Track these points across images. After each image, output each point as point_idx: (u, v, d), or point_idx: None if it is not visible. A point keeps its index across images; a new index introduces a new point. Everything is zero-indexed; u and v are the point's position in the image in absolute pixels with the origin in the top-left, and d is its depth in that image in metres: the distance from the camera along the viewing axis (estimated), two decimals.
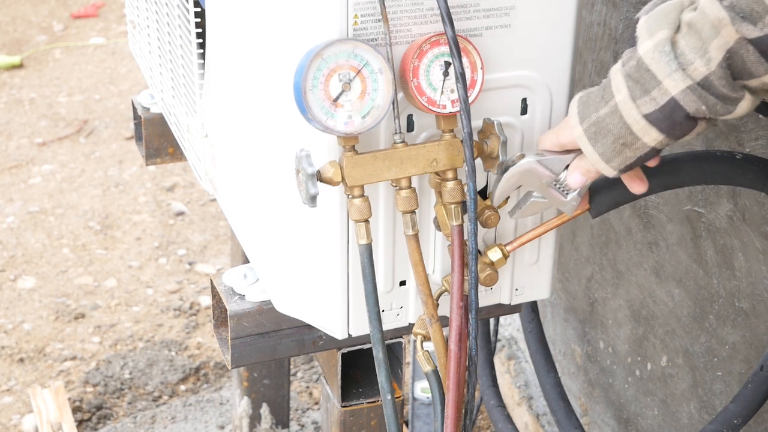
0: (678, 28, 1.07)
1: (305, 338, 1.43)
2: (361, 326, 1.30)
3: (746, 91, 1.07)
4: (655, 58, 1.07)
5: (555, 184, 1.22)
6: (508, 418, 1.98)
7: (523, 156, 1.21)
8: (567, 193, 1.22)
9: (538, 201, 1.24)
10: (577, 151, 1.19)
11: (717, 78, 1.05)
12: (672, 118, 1.09)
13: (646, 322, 1.98)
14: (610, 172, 1.16)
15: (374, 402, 1.47)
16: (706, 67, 1.05)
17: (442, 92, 1.17)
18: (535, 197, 1.24)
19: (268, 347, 1.42)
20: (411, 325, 1.34)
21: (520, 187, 1.23)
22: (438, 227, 1.26)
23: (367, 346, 1.41)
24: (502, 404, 2.00)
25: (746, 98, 1.07)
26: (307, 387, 2.75)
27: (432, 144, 1.19)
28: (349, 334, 1.31)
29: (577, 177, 1.20)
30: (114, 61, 4.46)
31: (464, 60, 1.17)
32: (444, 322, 1.26)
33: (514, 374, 2.55)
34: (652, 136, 1.11)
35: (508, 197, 1.25)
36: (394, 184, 1.20)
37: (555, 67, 1.25)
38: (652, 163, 1.18)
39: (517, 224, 1.32)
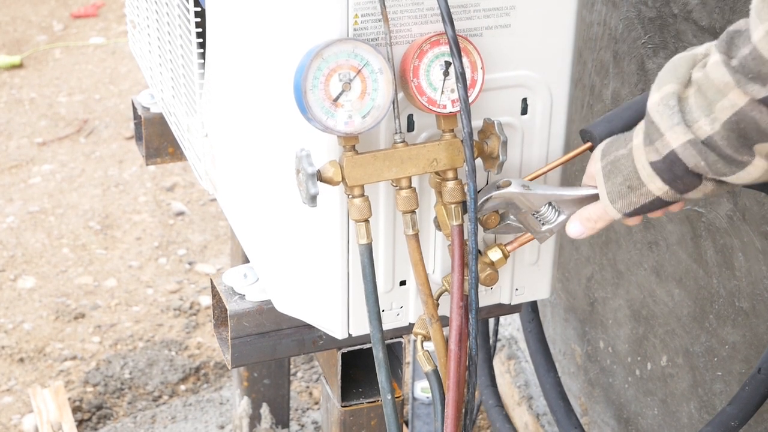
0: (689, 83, 1.08)
1: (305, 338, 1.43)
2: (361, 326, 1.30)
3: (758, 156, 1.05)
4: (659, 110, 1.08)
5: (534, 215, 1.24)
6: (507, 417, 1.98)
7: (509, 183, 1.23)
8: (543, 224, 1.24)
9: (513, 224, 1.27)
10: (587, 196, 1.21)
11: (720, 138, 1.05)
12: (672, 171, 1.10)
13: (646, 322, 1.98)
14: (615, 214, 1.17)
15: (374, 402, 1.47)
16: (710, 127, 1.05)
17: (442, 92, 1.17)
18: (510, 220, 1.27)
19: (268, 347, 1.42)
20: (411, 325, 1.34)
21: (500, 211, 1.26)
22: (438, 227, 1.26)
23: (367, 346, 1.41)
24: (500, 404, 2.00)
25: (756, 164, 1.06)
26: (307, 387, 2.75)
27: (432, 144, 1.19)
28: (349, 334, 1.31)
29: (577, 227, 1.22)
30: (114, 61, 4.45)
31: (464, 60, 1.17)
32: (444, 321, 1.26)
33: (514, 374, 2.55)
34: (656, 185, 1.12)
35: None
36: (394, 184, 1.20)
37: (555, 67, 1.25)
38: (674, 208, 1.18)
39: None
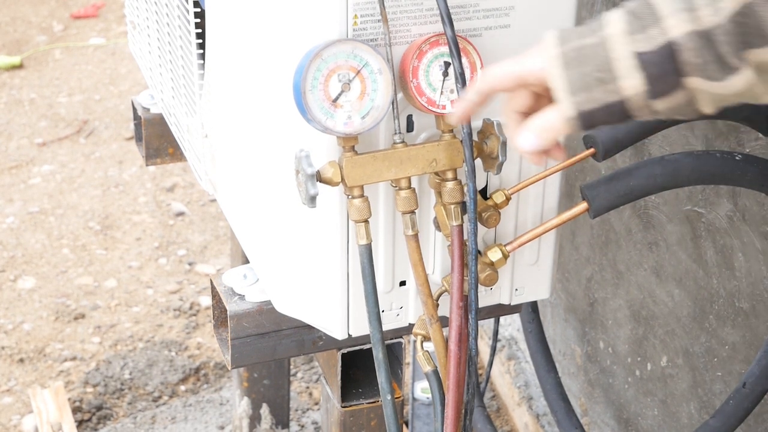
0: None
1: (305, 338, 1.43)
2: (361, 326, 1.30)
3: (747, 66, 0.93)
4: None
5: None
6: (488, 418, 1.98)
7: None
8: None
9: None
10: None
11: (722, 33, 0.92)
12: (663, 66, 0.95)
13: (646, 323, 1.98)
14: (567, 110, 0.99)
15: (374, 402, 1.47)
16: (714, 17, 0.92)
17: (441, 92, 1.17)
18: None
19: (268, 347, 1.42)
20: (411, 326, 1.34)
21: None
22: (438, 227, 1.26)
23: (367, 346, 1.41)
24: (482, 404, 2.00)
25: (743, 73, 0.93)
26: (307, 387, 2.75)
27: (432, 144, 1.19)
28: (349, 335, 1.31)
29: (530, 138, 1.03)
30: (114, 62, 4.45)
31: (464, 60, 1.17)
32: (444, 322, 1.26)
33: (514, 374, 2.55)
34: (632, 82, 0.96)
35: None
36: (393, 185, 1.20)
37: None
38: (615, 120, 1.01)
39: (517, 224, 1.32)
